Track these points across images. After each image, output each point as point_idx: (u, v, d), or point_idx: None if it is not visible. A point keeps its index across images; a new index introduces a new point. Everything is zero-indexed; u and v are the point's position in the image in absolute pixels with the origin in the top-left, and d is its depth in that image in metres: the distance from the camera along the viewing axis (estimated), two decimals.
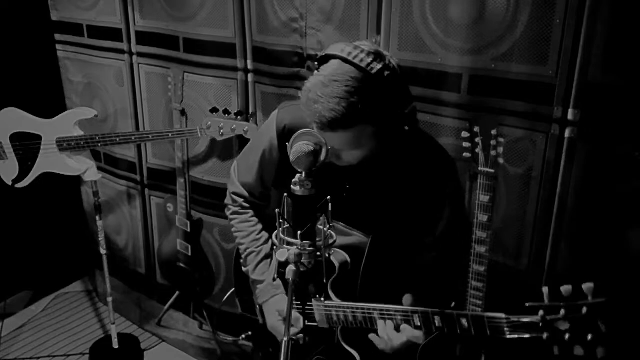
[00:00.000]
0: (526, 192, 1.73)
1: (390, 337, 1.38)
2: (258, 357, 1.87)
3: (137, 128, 2.76)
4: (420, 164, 1.44)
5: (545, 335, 1.15)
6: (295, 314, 1.55)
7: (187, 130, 2.37)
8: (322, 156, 1.21)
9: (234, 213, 1.75)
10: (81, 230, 3.25)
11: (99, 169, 2.52)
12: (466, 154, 1.72)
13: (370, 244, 1.53)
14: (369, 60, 1.22)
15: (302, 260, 1.15)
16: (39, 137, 2.40)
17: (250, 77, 2.32)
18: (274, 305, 1.63)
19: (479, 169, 1.66)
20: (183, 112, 2.47)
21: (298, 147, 1.19)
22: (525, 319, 1.17)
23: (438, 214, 1.49)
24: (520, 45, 1.62)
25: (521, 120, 1.68)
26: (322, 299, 1.52)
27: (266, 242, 1.69)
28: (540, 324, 1.15)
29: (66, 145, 2.37)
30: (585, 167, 1.60)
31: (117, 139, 2.40)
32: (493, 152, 1.64)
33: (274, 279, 1.45)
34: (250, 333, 1.87)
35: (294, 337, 1.53)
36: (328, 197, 1.21)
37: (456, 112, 1.79)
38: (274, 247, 1.21)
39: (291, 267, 1.13)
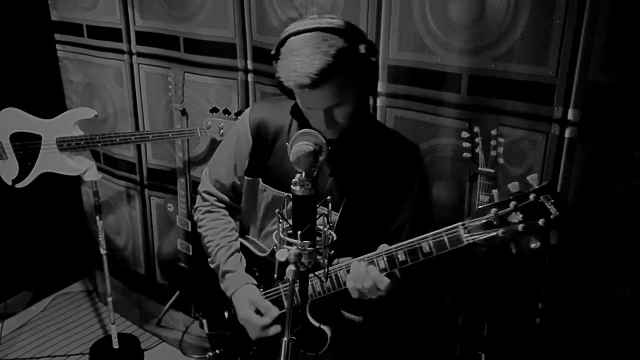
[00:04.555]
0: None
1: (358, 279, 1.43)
2: None
3: (137, 128, 2.77)
4: (387, 153, 1.57)
5: (500, 232, 1.18)
6: (266, 302, 1.62)
7: (187, 130, 2.37)
8: (322, 156, 1.21)
9: (206, 212, 1.79)
10: (81, 230, 3.25)
11: (98, 169, 2.52)
12: (466, 154, 1.73)
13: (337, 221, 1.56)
14: (327, 19, 1.42)
15: (302, 260, 1.15)
16: (39, 137, 2.39)
17: (250, 77, 2.32)
18: (245, 295, 1.64)
19: (479, 169, 1.66)
20: (184, 112, 2.47)
21: (298, 147, 1.19)
22: (481, 220, 1.21)
23: (399, 205, 1.58)
24: (520, 45, 1.62)
25: (521, 120, 1.68)
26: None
27: (235, 240, 1.75)
28: (495, 222, 1.20)
29: (66, 145, 2.37)
30: (585, 167, 1.60)
31: (117, 139, 2.40)
32: (493, 152, 1.64)
33: (276, 277, 1.46)
34: (218, 351, 1.85)
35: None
36: (328, 197, 1.21)
37: (456, 112, 1.79)
38: (275, 247, 1.21)
39: (291, 267, 1.13)
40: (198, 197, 1.84)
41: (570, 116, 1.58)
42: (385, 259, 1.41)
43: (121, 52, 2.66)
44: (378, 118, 1.96)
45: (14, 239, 3.01)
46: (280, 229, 1.18)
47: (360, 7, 1.89)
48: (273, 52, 1.49)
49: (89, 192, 2.89)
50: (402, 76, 1.87)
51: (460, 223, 1.27)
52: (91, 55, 2.80)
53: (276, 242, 1.21)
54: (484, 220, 1.22)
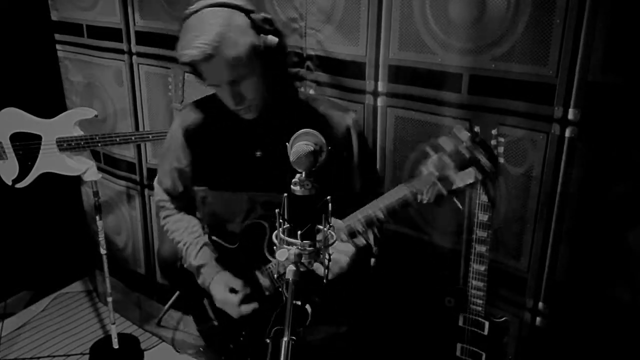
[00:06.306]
0: (526, 191, 1.73)
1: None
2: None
3: (137, 128, 2.76)
4: (317, 123, 1.57)
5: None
6: (239, 280, 1.66)
7: None
8: (322, 156, 1.21)
9: (166, 217, 1.85)
10: (81, 230, 3.25)
11: (99, 169, 2.52)
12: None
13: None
14: None
15: (302, 260, 1.15)
16: (39, 137, 2.39)
17: None
18: (219, 281, 1.69)
19: None
20: None
21: (298, 147, 1.18)
22: (423, 179, 1.38)
23: (344, 171, 1.62)
24: (520, 45, 1.62)
25: (521, 120, 1.68)
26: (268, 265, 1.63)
27: (201, 235, 1.78)
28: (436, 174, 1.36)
29: (66, 145, 2.37)
30: (585, 167, 1.60)
31: (117, 139, 2.40)
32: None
33: (275, 280, 1.47)
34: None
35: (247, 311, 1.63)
36: (328, 197, 1.21)
37: (456, 112, 1.79)
38: (275, 247, 1.21)
39: (291, 267, 1.13)
40: (156, 204, 1.89)
41: (570, 116, 1.58)
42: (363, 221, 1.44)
43: (121, 52, 2.66)
44: (378, 118, 1.96)
45: (14, 239, 3.01)
46: (280, 229, 1.18)
47: (361, 6, 1.89)
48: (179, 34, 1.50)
49: (89, 192, 2.89)
50: (403, 76, 1.87)
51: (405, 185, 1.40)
52: (91, 55, 2.80)
53: (276, 242, 1.21)
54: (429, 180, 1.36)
